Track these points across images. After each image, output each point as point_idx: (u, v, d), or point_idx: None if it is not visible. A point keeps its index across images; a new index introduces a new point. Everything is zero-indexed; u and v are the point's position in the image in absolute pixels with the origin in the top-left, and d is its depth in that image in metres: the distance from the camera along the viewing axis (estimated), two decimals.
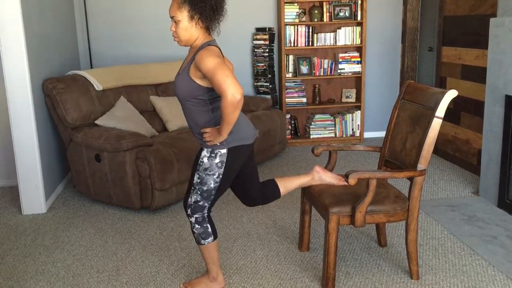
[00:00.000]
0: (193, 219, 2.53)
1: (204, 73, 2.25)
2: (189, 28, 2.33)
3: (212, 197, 2.50)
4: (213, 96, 2.37)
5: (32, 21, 3.81)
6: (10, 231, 3.54)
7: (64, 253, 3.19)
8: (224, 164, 2.43)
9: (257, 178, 2.73)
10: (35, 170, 3.78)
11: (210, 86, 2.32)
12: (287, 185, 2.75)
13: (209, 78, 2.23)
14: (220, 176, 2.45)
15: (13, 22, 3.56)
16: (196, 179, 2.47)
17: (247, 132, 2.49)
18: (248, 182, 2.67)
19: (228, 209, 3.80)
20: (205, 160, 2.43)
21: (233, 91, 2.17)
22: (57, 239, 3.39)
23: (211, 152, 2.42)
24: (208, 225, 2.54)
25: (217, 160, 2.42)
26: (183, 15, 2.31)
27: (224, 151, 2.41)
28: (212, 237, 2.56)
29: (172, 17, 2.33)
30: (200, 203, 2.50)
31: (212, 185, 2.46)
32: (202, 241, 2.55)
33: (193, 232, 2.56)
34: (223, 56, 2.40)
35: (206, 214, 2.54)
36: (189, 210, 2.52)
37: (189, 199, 2.51)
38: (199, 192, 2.48)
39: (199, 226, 2.53)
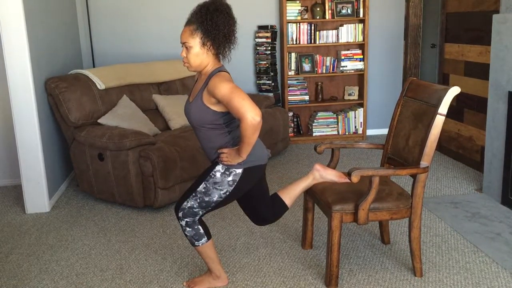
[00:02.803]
0: (183, 222, 2.53)
1: (220, 99, 2.27)
2: (200, 54, 2.35)
3: (209, 208, 2.51)
4: (228, 119, 2.40)
5: (34, 20, 3.82)
6: (14, 230, 3.55)
7: (68, 251, 3.20)
8: (235, 184, 2.44)
9: (268, 198, 2.73)
10: (39, 169, 3.79)
11: (225, 111, 2.35)
12: (291, 194, 2.75)
13: (226, 103, 2.25)
14: (227, 193, 2.46)
15: (16, 22, 3.56)
16: (201, 188, 2.47)
17: (261, 153, 2.50)
18: (259, 202, 2.68)
19: (231, 207, 3.81)
20: (218, 174, 2.43)
21: (253, 114, 2.19)
22: (61, 238, 3.40)
23: (226, 169, 2.42)
24: (199, 226, 2.54)
25: (230, 178, 2.43)
26: (195, 42, 2.32)
27: (239, 171, 2.42)
28: (206, 238, 2.56)
29: (183, 43, 2.35)
30: (195, 210, 2.50)
31: (215, 199, 2.47)
32: (196, 242, 2.56)
33: (186, 235, 2.56)
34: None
35: (197, 219, 2.54)
36: (180, 213, 2.52)
37: (184, 203, 2.50)
38: (198, 201, 2.48)
39: (190, 229, 2.53)
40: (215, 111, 2.36)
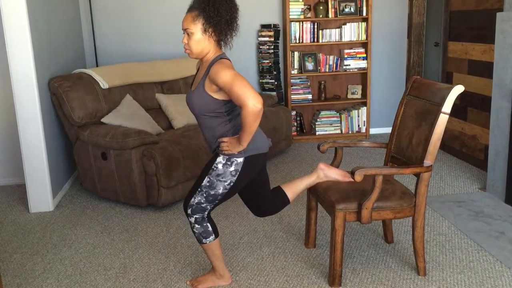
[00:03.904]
0: (192, 219, 2.53)
1: (221, 87, 2.26)
2: (202, 41, 2.34)
3: (216, 202, 2.51)
4: (230, 107, 2.39)
5: (37, 19, 3.82)
6: (18, 229, 3.56)
7: (72, 250, 3.21)
8: (238, 173, 2.43)
9: (269, 189, 2.73)
10: (42, 168, 3.80)
11: (227, 99, 2.34)
12: (294, 189, 2.75)
13: (227, 91, 2.24)
14: (231, 184, 2.45)
15: (19, 21, 3.57)
16: (205, 182, 2.47)
17: (262, 142, 2.50)
18: (260, 193, 2.68)
19: (234, 206, 3.81)
20: (220, 166, 2.43)
21: (254, 102, 2.18)
22: (65, 237, 3.41)
23: (228, 160, 2.42)
24: (208, 224, 2.55)
25: (232, 168, 2.42)
26: (197, 28, 2.31)
27: (240, 160, 2.42)
28: (213, 236, 2.56)
29: (185, 30, 2.33)
30: (203, 205, 2.50)
31: (220, 191, 2.46)
32: (204, 240, 2.56)
33: (194, 232, 2.57)
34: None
35: (206, 215, 2.54)
36: (189, 210, 2.52)
37: (192, 200, 2.51)
38: (204, 195, 2.48)
39: (199, 226, 2.54)
40: (216, 99, 2.34)
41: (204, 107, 2.38)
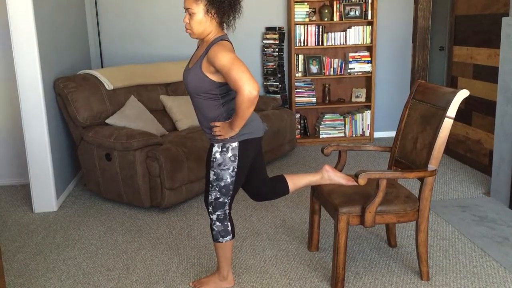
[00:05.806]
0: (214, 217, 2.53)
1: (219, 69, 2.24)
2: (204, 22, 2.31)
3: (231, 192, 2.50)
4: (225, 90, 2.37)
5: (43, 20, 3.84)
6: (21, 229, 3.57)
7: (75, 251, 3.21)
8: (237, 158, 2.43)
9: (265, 173, 2.73)
10: (47, 169, 3.81)
11: (222, 81, 2.32)
12: (296, 182, 2.74)
13: (224, 74, 2.22)
14: (235, 170, 2.45)
15: (25, 22, 3.58)
16: (212, 176, 2.47)
17: (257, 126, 2.49)
18: (257, 177, 2.68)
19: (237, 208, 3.81)
20: (218, 155, 2.43)
21: (250, 88, 2.17)
22: (68, 237, 3.41)
23: (223, 147, 2.42)
24: (229, 223, 2.55)
25: (229, 154, 2.42)
26: (199, 8, 2.29)
27: (235, 144, 2.41)
28: (231, 236, 2.57)
29: (187, 9, 2.31)
30: (220, 200, 2.50)
31: (228, 180, 2.46)
32: (221, 238, 2.56)
33: (212, 229, 2.56)
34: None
35: (227, 211, 2.54)
36: (210, 208, 2.53)
37: (209, 197, 2.51)
38: (217, 189, 2.48)
39: (220, 224, 2.54)
40: (212, 81, 2.32)
41: (198, 87, 2.36)
